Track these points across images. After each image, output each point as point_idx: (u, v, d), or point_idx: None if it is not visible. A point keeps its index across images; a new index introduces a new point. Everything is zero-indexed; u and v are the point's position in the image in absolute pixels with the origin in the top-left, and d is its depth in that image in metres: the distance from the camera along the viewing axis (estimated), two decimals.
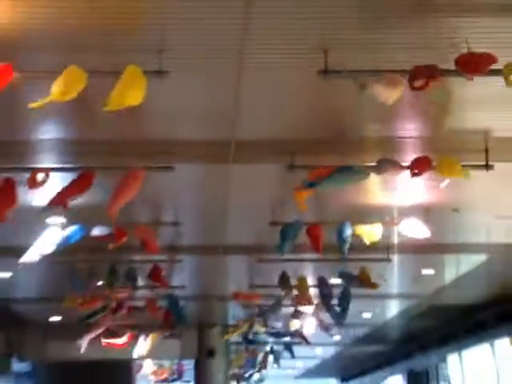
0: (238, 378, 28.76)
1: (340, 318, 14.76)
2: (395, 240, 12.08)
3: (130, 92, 6.06)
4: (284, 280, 13.21)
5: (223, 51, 7.08)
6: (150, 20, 6.27)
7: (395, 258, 14.06)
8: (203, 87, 7.24)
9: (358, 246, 11.14)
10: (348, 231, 10.81)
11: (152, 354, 19.89)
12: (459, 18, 6.18)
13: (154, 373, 28.00)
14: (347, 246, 10.89)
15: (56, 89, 6.08)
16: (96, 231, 11.09)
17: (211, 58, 6.87)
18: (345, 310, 14.37)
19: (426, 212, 11.24)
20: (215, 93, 7.30)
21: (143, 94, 6.07)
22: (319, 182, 7.65)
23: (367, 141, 8.45)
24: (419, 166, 8.66)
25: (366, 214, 10.93)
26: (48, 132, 9.28)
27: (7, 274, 15.31)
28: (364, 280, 13.83)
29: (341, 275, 14.26)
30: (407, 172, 8.70)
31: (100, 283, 14.45)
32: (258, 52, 6.75)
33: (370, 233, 10.82)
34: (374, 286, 13.71)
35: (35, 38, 6.65)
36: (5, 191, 9.29)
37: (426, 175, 8.76)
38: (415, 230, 10.79)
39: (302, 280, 13.64)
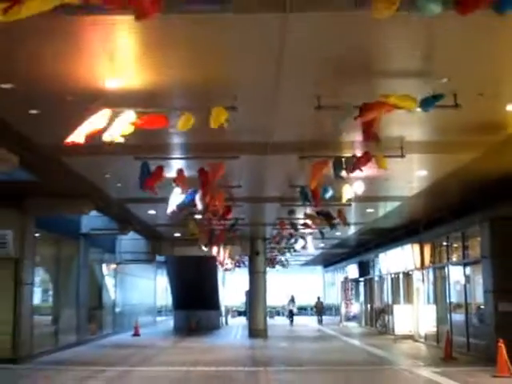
0: (272, 262, 37.10)
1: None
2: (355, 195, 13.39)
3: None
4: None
5: None
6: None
7: (353, 204, 17.69)
8: None
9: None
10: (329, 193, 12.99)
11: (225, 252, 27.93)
12: None
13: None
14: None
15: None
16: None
17: None
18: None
19: (370, 180, 13.66)
20: None
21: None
22: None
23: None
24: (363, 160, 10.51)
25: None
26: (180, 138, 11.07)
27: (153, 212, 20.96)
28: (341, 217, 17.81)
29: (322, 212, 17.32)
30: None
31: None
32: None
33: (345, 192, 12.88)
34: (344, 221, 17.82)
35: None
36: (157, 174, 11.02)
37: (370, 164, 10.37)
38: (363, 189, 13.10)
39: None
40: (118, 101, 8.07)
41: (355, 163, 10.48)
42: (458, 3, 5.11)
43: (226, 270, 38.39)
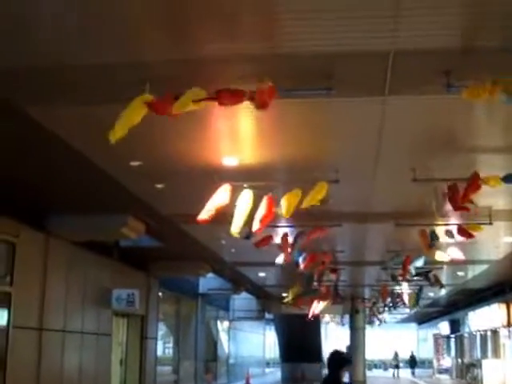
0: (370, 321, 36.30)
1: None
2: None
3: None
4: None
5: None
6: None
7: (445, 267, 17.31)
8: None
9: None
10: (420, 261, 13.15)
11: (326, 311, 27.23)
12: None
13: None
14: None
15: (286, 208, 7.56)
16: None
17: None
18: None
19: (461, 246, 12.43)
20: None
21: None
22: None
23: None
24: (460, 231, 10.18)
25: None
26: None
27: (263, 274, 21.00)
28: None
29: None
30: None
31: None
32: None
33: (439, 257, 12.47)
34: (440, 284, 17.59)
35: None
36: (265, 239, 10.61)
37: None
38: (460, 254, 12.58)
39: None
40: (234, 176, 8.19)
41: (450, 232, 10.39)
42: None
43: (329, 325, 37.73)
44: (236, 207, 7.72)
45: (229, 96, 5.18)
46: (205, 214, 7.70)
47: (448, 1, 4.71)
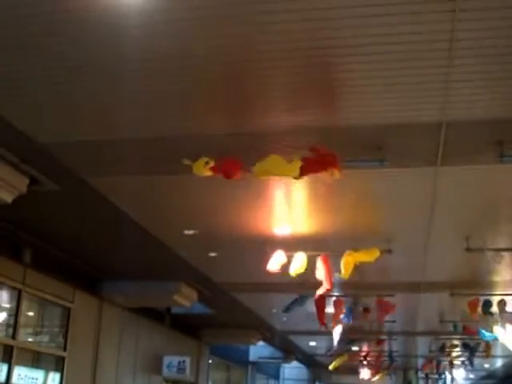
0: None
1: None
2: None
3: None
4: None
5: None
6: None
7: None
8: None
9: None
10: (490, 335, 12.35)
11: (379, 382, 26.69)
12: None
13: None
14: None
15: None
16: None
17: None
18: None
19: None
20: None
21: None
22: None
23: None
24: None
25: None
26: None
27: (314, 343, 21.28)
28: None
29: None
30: None
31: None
32: None
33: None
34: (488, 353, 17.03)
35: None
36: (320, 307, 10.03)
37: None
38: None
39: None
40: (286, 245, 8.21)
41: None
42: None
43: None
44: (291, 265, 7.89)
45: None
46: (271, 266, 7.92)
47: (497, 73, 4.70)
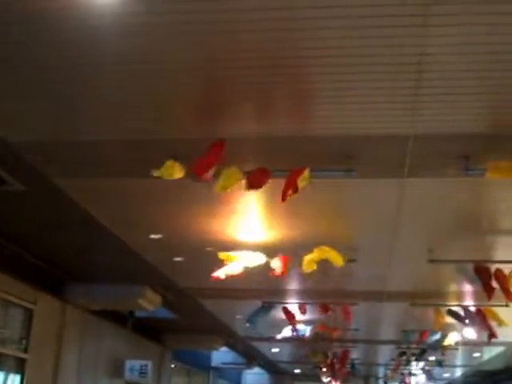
0: None
1: None
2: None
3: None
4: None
5: None
6: None
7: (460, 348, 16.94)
8: None
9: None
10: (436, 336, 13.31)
11: None
12: None
13: None
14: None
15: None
16: None
17: None
18: None
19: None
20: None
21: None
22: None
23: None
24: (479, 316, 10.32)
25: None
26: None
27: (277, 350, 20.67)
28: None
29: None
30: None
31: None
32: None
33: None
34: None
35: None
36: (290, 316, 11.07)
37: None
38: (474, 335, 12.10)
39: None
40: (251, 250, 8.17)
41: (471, 317, 10.35)
42: None
43: None
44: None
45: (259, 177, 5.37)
46: (219, 273, 7.91)
47: (466, 88, 4.76)
